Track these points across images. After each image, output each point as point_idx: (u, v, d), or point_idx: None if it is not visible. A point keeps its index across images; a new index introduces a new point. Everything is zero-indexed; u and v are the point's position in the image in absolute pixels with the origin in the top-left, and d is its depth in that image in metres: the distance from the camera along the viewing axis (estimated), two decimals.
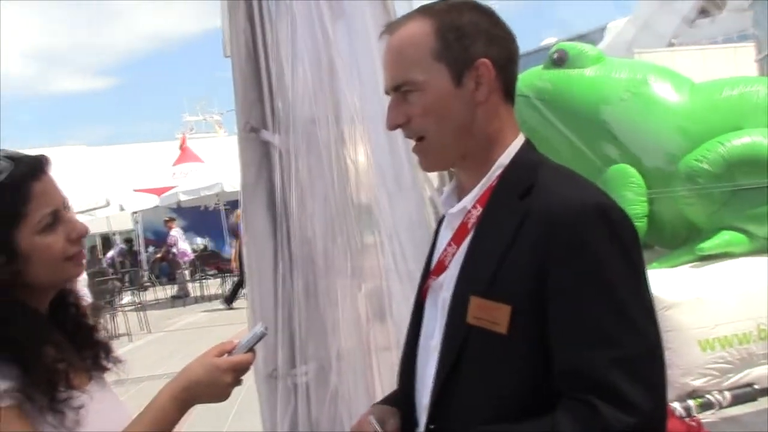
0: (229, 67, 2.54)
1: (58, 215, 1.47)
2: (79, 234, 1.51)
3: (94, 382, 1.56)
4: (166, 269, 18.93)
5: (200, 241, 21.64)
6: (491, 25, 1.41)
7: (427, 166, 1.51)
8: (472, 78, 1.38)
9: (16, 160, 1.44)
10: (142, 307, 13.33)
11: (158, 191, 17.97)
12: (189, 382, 1.50)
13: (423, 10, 1.43)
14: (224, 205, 18.95)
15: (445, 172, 2.39)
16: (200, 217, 21.30)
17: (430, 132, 1.40)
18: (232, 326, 11.54)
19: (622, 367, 1.21)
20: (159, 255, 18.41)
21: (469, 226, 1.42)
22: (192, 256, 18.41)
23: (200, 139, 32.13)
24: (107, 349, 1.64)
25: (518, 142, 1.44)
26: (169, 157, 20.54)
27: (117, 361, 1.65)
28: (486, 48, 1.38)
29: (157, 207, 18.48)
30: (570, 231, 1.26)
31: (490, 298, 1.31)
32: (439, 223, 1.64)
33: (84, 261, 1.56)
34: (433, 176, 2.63)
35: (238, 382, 1.53)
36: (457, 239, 1.44)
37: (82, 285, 1.73)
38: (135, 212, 20.36)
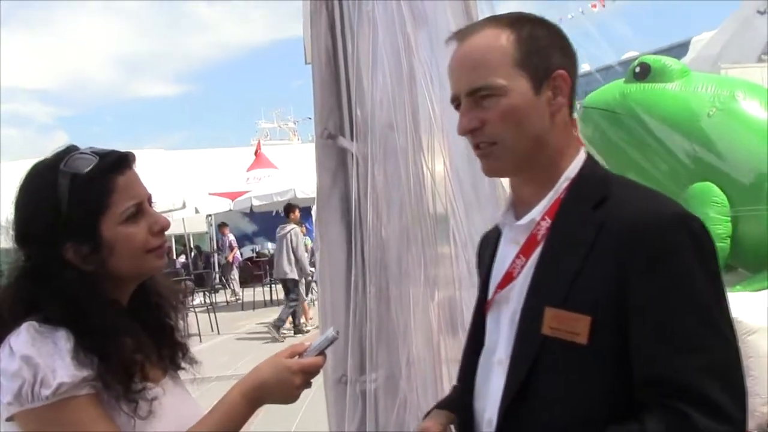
0: (307, 75, 2.57)
1: (141, 208, 1.52)
2: (161, 227, 1.55)
3: (168, 377, 1.60)
4: (239, 272, 19.40)
5: (271, 246, 21.98)
6: (562, 39, 1.45)
7: (494, 170, 1.48)
8: (549, 88, 1.40)
9: (101, 155, 1.51)
10: (212, 308, 13.60)
11: (232, 195, 18.35)
12: (259, 381, 1.52)
13: (496, 21, 1.45)
14: None
15: None
16: (272, 222, 21.66)
17: (506, 138, 1.40)
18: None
19: (712, 374, 1.22)
20: (229, 258, 18.88)
21: (539, 237, 1.41)
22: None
23: (274, 145, 32.70)
24: (185, 350, 1.68)
25: (582, 155, 1.46)
26: (244, 162, 20.92)
27: (193, 362, 1.69)
28: (562, 60, 1.42)
29: (230, 211, 18.90)
30: (653, 241, 1.27)
31: (568, 309, 1.31)
32: (486, 239, 1.65)
33: (165, 254, 1.60)
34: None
35: (307, 384, 1.55)
36: (525, 251, 1.43)
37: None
38: (209, 215, 20.86)
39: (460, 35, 1.46)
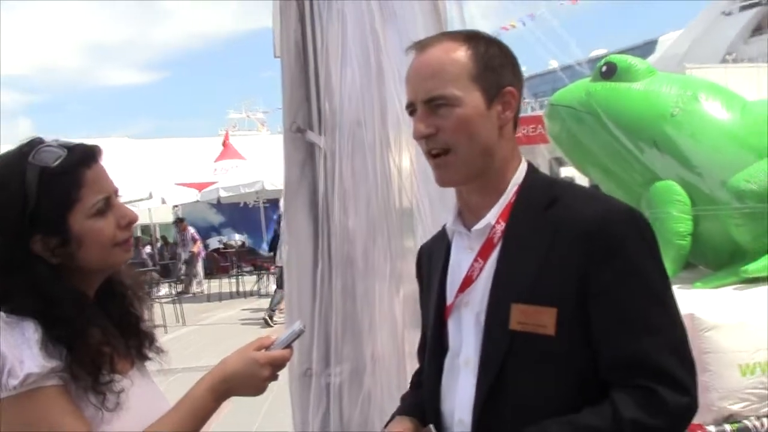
0: (277, 67, 2.57)
1: (110, 202, 1.53)
2: (129, 221, 1.56)
3: (136, 369, 1.60)
4: (206, 263, 19.24)
5: (238, 238, 21.87)
6: (512, 58, 1.55)
7: (447, 179, 1.54)
8: (499, 103, 1.50)
9: (69, 148, 1.50)
10: (178, 299, 13.49)
11: (199, 186, 18.21)
12: (227, 374, 1.53)
13: (453, 36, 1.54)
14: (264, 202, 19.12)
15: None
16: (239, 213, 21.54)
17: (459, 146, 1.48)
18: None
19: (672, 352, 1.35)
20: (194, 250, 18.72)
21: (495, 240, 1.49)
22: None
23: (243, 136, 32.46)
24: (151, 339, 1.68)
25: (524, 163, 1.57)
26: (212, 152, 20.76)
27: (160, 351, 1.69)
28: (512, 78, 1.52)
29: (197, 202, 18.74)
30: (608, 234, 1.38)
31: (534, 303, 1.39)
32: (430, 249, 1.72)
33: (132, 248, 1.61)
34: None
35: (274, 377, 1.56)
36: (483, 254, 1.50)
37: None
38: (176, 206, 20.65)
39: (419, 46, 1.53)
